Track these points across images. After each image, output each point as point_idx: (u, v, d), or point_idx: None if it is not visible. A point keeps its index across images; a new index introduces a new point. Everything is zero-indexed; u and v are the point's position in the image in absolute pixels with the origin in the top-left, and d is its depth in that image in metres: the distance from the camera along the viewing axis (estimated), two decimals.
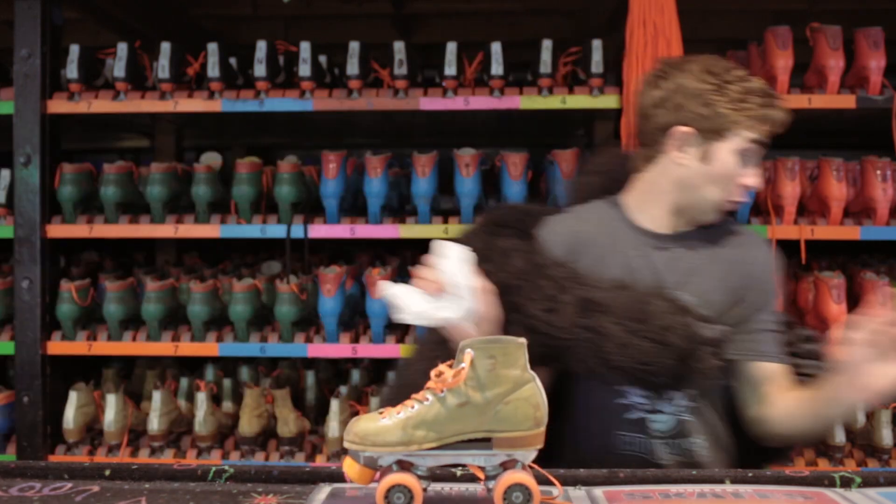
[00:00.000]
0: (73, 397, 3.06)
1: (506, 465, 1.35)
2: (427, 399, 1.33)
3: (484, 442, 1.35)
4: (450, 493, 1.46)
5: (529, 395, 1.33)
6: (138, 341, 3.10)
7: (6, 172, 3.20)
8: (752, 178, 1.79)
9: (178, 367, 3.57)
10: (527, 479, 1.31)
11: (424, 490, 1.33)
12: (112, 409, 3.07)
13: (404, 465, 1.33)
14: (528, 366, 1.34)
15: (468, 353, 1.32)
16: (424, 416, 1.32)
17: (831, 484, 1.53)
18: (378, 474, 1.35)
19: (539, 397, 1.34)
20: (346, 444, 1.34)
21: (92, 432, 3.21)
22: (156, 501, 1.44)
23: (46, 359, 3.06)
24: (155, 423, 3.06)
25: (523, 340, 1.35)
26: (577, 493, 1.48)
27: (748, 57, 3.13)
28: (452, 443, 1.33)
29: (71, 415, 3.06)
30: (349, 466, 1.35)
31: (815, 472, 1.56)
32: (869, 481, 1.53)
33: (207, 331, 3.11)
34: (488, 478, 1.35)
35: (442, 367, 1.35)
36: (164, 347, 3.08)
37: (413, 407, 1.34)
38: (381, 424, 1.32)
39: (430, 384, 1.34)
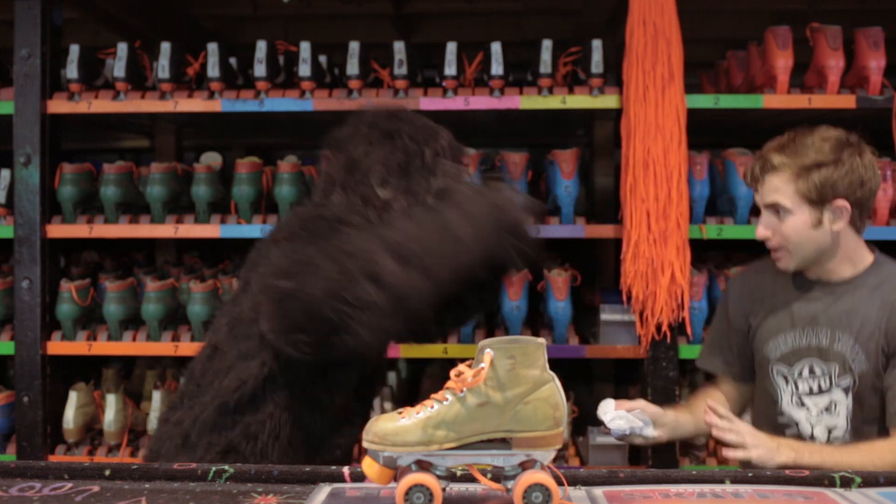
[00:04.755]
0: (73, 397, 3.06)
1: (525, 465, 1.35)
2: (447, 399, 1.33)
3: (503, 442, 1.35)
4: (469, 494, 1.46)
5: (549, 395, 1.33)
6: (138, 341, 3.10)
7: (6, 172, 3.19)
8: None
9: (178, 367, 3.57)
10: (546, 479, 1.31)
11: (444, 490, 1.33)
12: (112, 409, 3.07)
13: (423, 465, 1.33)
14: (548, 366, 1.34)
15: (488, 354, 1.32)
16: (444, 416, 1.32)
17: (831, 484, 1.53)
18: (397, 474, 1.35)
19: (558, 397, 1.34)
20: (365, 444, 1.34)
21: (92, 432, 3.21)
22: (156, 501, 1.44)
23: (46, 359, 3.05)
24: (155, 423, 3.06)
25: (542, 341, 1.35)
26: (578, 493, 1.48)
27: (748, 57, 3.13)
28: (471, 443, 1.33)
29: (71, 415, 3.06)
30: (368, 466, 1.35)
31: (815, 472, 1.56)
32: (869, 481, 1.53)
33: (207, 330, 3.10)
34: (507, 478, 1.35)
35: (462, 366, 1.35)
36: (164, 347, 3.08)
37: (433, 407, 1.33)
38: (401, 424, 1.32)
39: (449, 384, 1.34)
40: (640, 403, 1.98)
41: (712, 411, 1.86)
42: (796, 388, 1.98)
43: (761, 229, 1.95)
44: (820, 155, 1.86)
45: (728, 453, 1.83)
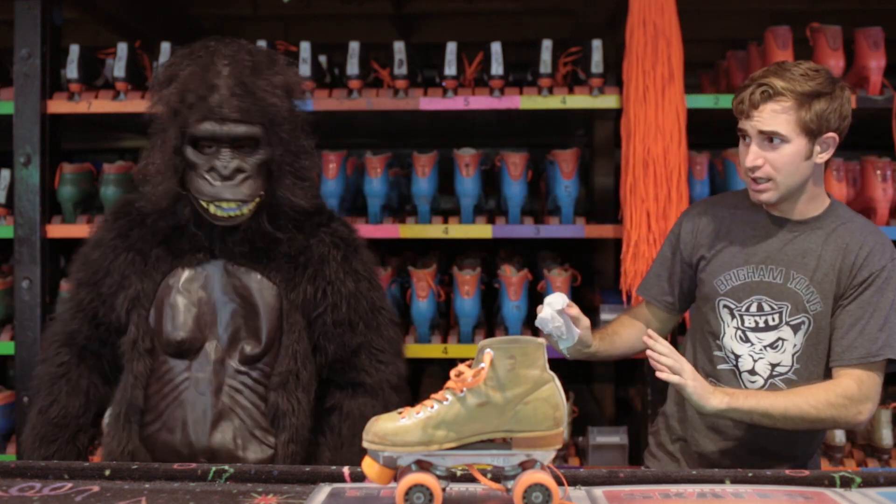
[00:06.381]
0: None
1: (524, 465, 1.35)
2: (447, 399, 1.33)
3: (503, 442, 1.35)
4: (469, 494, 1.46)
5: (549, 395, 1.33)
6: None
7: (6, 172, 3.19)
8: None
9: None
10: (546, 479, 1.31)
11: (444, 490, 1.33)
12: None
13: (423, 465, 1.33)
14: (548, 366, 1.34)
15: (488, 354, 1.32)
16: (444, 416, 1.32)
17: (831, 484, 1.53)
18: (397, 474, 1.35)
19: (558, 397, 1.34)
20: (365, 444, 1.34)
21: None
22: (156, 501, 1.44)
23: None
24: None
25: (542, 341, 1.35)
26: (578, 493, 1.48)
27: (748, 57, 3.13)
28: (471, 443, 1.33)
29: None
30: (368, 466, 1.35)
31: (815, 472, 1.56)
32: (869, 481, 1.53)
33: None
34: (507, 478, 1.35)
35: (461, 366, 1.35)
36: None
37: (433, 407, 1.33)
38: (401, 424, 1.32)
39: (449, 384, 1.34)
40: (584, 323, 1.93)
41: (651, 337, 1.84)
42: (742, 322, 1.97)
43: (753, 157, 1.89)
44: (818, 85, 1.86)
45: (661, 375, 1.80)
